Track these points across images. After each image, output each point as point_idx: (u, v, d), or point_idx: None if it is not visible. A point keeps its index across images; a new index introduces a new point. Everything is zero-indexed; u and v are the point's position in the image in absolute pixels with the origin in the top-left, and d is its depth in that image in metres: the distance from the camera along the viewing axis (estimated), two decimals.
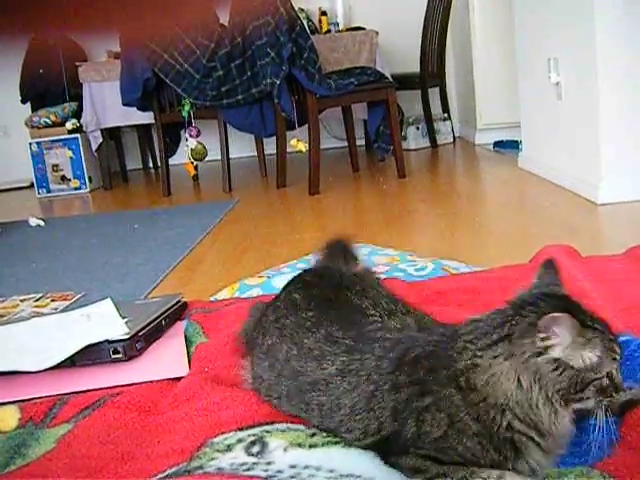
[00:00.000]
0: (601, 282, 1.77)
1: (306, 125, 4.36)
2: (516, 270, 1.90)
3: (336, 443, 1.09)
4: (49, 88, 5.78)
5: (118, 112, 5.13)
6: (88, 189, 5.55)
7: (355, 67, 4.68)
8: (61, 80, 5.60)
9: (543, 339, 0.95)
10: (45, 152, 5.53)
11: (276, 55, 4.17)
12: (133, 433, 1.29)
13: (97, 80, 5.18)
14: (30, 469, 1.20)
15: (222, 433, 1.16)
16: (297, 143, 4.28)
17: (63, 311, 2.04)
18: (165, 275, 2.70)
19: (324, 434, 1.12)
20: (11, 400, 1.46)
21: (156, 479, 1.08)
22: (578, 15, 3.30)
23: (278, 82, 4.20)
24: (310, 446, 1.09)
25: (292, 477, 1.01)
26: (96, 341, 1.58)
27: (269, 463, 1.06)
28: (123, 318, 1.73)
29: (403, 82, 5.32)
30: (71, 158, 5.52)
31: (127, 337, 1.60)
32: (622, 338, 1.33)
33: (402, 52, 6.07)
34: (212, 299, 2.09)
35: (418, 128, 5.95)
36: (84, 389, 1.49)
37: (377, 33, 5.03)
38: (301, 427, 1.15)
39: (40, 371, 1.53)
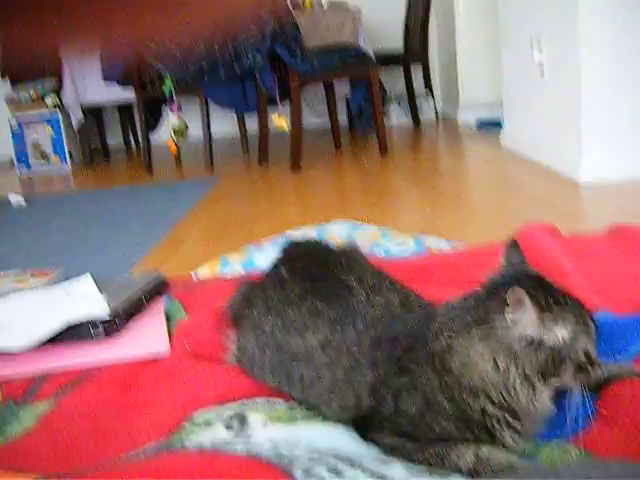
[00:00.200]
0: (582, 260, 1.78)
1: (288, 102, 4.34)
2: (497, 247, 1.90)
3: (316, 418, 1.10)
4: (26, 62, 5.72)
5: (99, 88, 5.09)
6: (69, 166, 5.52)
7: (337, 44, 4.67)
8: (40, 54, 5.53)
9: (511, 313, 0.94)
10: (25, 129, 5.49)
11: (258, 31, 4.15)
12: (113, 409, 1.29)
13: (73, 54, 5.12)
14: (10, 446, 1.19)
15: (202, 408, 1.16)
16: (279, 120, 4.26)
17: (43, 287, 2.02)
18: (147, 252, 2.69)
19: (304, 409, 1.13)
20: None
21: (135, 455, 1.08)
22: None
23: (260, 58, 4.18)
24: (290, 421, 1.10)
25: (272, 452, 1.02)
26: (77, 320, 1.57)
27: (249, 438, 1.06)
28: (104, 295, 1.72)
29: (386, 59, 5.31)
30: (51, 135, 5.48)
31: (107, 314, 1.59)
32: (601, 316, 1.34)
33: (385, 29, 6.05)
34: (193, 274, 2.08)
35: (400, 105, 5.95)
36: (64, 366, 1.48)
37: (360, 10, 5.01)
38: (281, 402, 1.16)
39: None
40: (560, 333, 0.96)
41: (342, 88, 5.06)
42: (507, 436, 0.98)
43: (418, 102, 5.97)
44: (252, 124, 5.06)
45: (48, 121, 5.45)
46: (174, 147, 4.72)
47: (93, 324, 1.58)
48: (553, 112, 3.57)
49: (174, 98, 4.52)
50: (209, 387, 1.23)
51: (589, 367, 0.97)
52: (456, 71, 5.69)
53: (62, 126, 5.44)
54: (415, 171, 4.29)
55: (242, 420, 1.11)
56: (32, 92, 5.46)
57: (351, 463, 0.96)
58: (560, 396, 1.06)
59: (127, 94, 4.95)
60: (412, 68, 5.84)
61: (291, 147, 4.31)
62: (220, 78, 4.36)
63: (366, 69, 4.46)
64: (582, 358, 0.96)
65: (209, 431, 1.10)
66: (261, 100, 4.43)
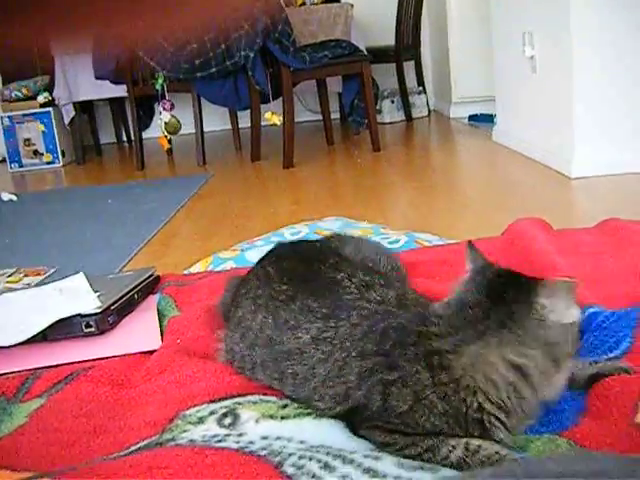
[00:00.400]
0: (573, 255, 1.79)
1: (280, 98, 4.34)
2: (488, 243, 1.90)
3: (307, 415, 1.10)
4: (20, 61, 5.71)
5: (91, 85, 5.07)
6: (61, 163, 5.50)
7: (330, 40, 4.66)
8: (32, 53, 5.52)
9: (546, 305, 0.97)
10: (17, 126, 5.47)
11: (250, 28, 4.14)
12: (105, 406, 1.29)
13: (69, 53, 5.12)
14: (2, 443, 1.19)
15: (194, 405, 1.17)
16: (271, 116, 4.26)
17: (36, 286, 2.02)
18: (139, 249, 2.69)
19: (296, 406, 1.13)
20: None
21: (128, 452, 1.08)
22: None
23: (252, 55, 4.18)
24: (282, 418, 1.10)
25: (263, 448, 1.02)
26: (68, 315, 1.57)
27: (241, 435, 1.07)
28: (95, 292, 1.72)
29: (378, 55, 5.30)
30: (43, 132, 5.46)
31: (99, 311, 1.59)
32: (592, 310, 1.35)
33: (377, 25, 6.04)
34: (186, 272, 2.08)
35: (393, 101, 5.95)
36: (57, 363, 1.48)
37: (352, 6, 5.01)
38: (273, 399, 1.16)
39: (12, 346, 1.52)
40: (576, 311, 0.99)
41: (334, 84, 5.05)
42: (498, 432, 0.99)
43: (411, 98, 5.96)
44: (245, 120, 5.05)
45: (40, 118, 5.43)
46: (166, 143, 4.71)
47: (86, 322, 1.58)
48: (545, 108, 3.58)
49: (166, 95, 4.51)
50: (201, 384, 1.24)
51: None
52: (448, 67, 5.69)
53: (54, 123, 5.43)
54: (408, 167, 4.29)
55: (234, 417, 1.11)
56: (24, 89, 5.44)
57: (343, 459, 0.96)
58: None
59: (119, 90, 4.93)
60: (404, 64, 5.84)
61: (283, 143, 4.31)
62: (212, 75, 4.36)
63: (358, 65, 4.46)
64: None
65: (201, 428, 1.10)
66: (254, 97, 4.42)
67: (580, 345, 1.13)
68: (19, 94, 5.43)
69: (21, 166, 5.53)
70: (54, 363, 1.48)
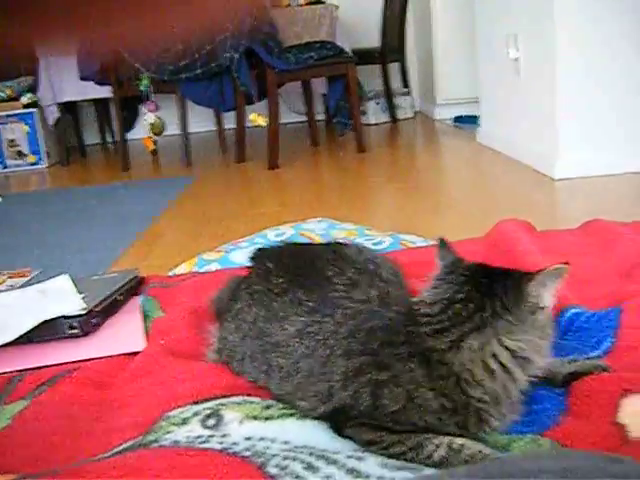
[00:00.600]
0: (556, 256, 1.79)
1: (266, 99, 4.34)
2: (471, 244, 1.91)
3: (291, 415, 1.10)
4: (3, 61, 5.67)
5: (75, 86, 5.05)
6: (45, 164, 5.48)
7: (315, 41, 4.67)
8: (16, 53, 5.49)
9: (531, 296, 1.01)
10: (1, 127, 5.45)
11: (235, 29, 4.14)
12: (89, 408, 1.28)
13: (54, 55, 5.10)
14: None
15: (178, 407, 1.16)
16: (256, 117, 4.26)
17: (20, 288, 2.02)
18: (123, 251, 2.69)
19: (280, 406, 1.13)
20: None
21: (112, 453, 1.08)
22: None
23: (237, 56, 4.17)
24: (265, 418, 1.10)
25: (247, 449, 1.02)
26: (52, 317, 1.57)
27: (224, 435, 1.07)
28: (80, 293, 1.72)
29: (363, 57, 5.31)
30: (27, 133, 5.43)
31: (83, 312, 1.59)
32: (574, 310, 1.36)
33: (362, 27, 6.05)
34: (170, 274, 2.08)
35: (378, 103, 5.96)
36: (40, 365, 1.48)
37: (337, 7, 5.02)
38: (257, 400, 1.16)
39: None
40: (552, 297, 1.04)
41: (319, 86, 5.06)
42: (491, 420, 1.01)
43: (395, 100, 5.98)
44: (230, 121, 5.05)
45: (24, 119, 5.41)
46: (151, 145, 4.70)
47: (70, 323, 1.57)
48: (529, 109, 3.60)
49: (151, 96, 4.50)
50: (185, 385, 1.24)
51: None
52: (433, 69, 5.71)
53: (38, 124, 5.40)
54: (393, 168, 4.30)
55: (218, 418, 1.11)
56: (8, 90, 5.41)
57: (326, 459, 0.97)
58: (533, 389, 1.08)
59: (104, 91, 4.92)
60: (389, 66, 5.85)
61: (268, 145, 4.31)
62: (197, 76, 4.35)
63: (344, 67, 4.47)
64: None
65: (185, 429, 1.10)
66: (238, 98, 4.42)
67: (561, 344, 1.16)
68: (2, 95, 5.40)
69: (5, 167, 5.50)
70: (38, 365, 1.48)
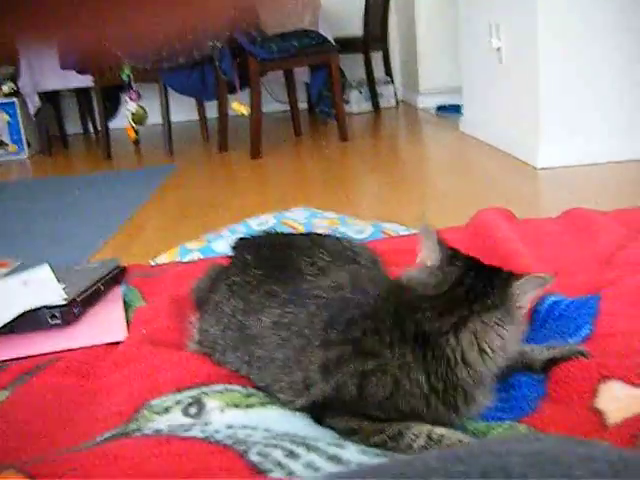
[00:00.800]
0: (536, 244, 1.81)
1: (248, 88, 4.33)
2: (453, 232, 1.92)
3: (272, 403, 1.11)
4: None
5: (56, 75, 5.02)
6: (27, 154, 5.45)
7: (298, 30, 4.66)
8: None
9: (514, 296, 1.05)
10: None
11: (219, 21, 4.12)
12: (71, 398, 1.29)
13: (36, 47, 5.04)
14: None
15: (160, 395, 1.17)
16: (239, 106, 4.25)
17: (0, 279, 2.01)
18: (106, 240, 2.68)
19: (261, 395, 1.13)
20: None
21: (94, 442, 1.08)
22: None
23: (220, 45, 4.16)
24: (247, 406, 1.10)
25: (229, 437, 1.02)
26: (34, 307, 1.56)
27: (206, 424, 1.07)
28: (61, 284, 1.71)
29: (346, 45, 5.31)
30: (8, 122, 5.40)
31: (65, 302, 1.59)
32: (553, 298, 1.37)
33: (345, 15, 6.04)
34: (152, 263, 2.08)
35: (361, 92, 5.96)
36: (22, 355, 1.48)
37: None
38: (238, 388, 1.16)
39: None
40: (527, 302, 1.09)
41: (302, 74, 5.05)
42: (481, 397, 1.04)
43: (378, 88, 5.98)
44: (212, 110, 5.03)
45: (5, 109, 5.37)
46: (133, 134, 4.69)
47: (51, 313, 1.57)
48: (511, 98, 3.61)
49: (133, 85, 4.48)
50: (167, 374, 1.24)
51: None
52: (416, 58, 5.71)
53: (19, 113, 5.37)
54: (375, 157, 4.31)
55: (200, 406, 1.12)
56: None
57: (307, 447, 0.97)
58: (511, 376, 1.10)
59: (85, 81, 4.89)
60: (372, 55, 5.85)
61: (251, 134, 4.30)
62: (179, 65, 4.34)
63: (326, 55, 4.46)
64: None
65: (167, 417, 1.11)
66: (221, 87, 4.41)
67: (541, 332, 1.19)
68: None
69: None
70: (20, 355, 1.48)
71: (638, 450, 0.89)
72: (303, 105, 5.68)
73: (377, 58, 6.00)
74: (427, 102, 5.70)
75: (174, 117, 4.93)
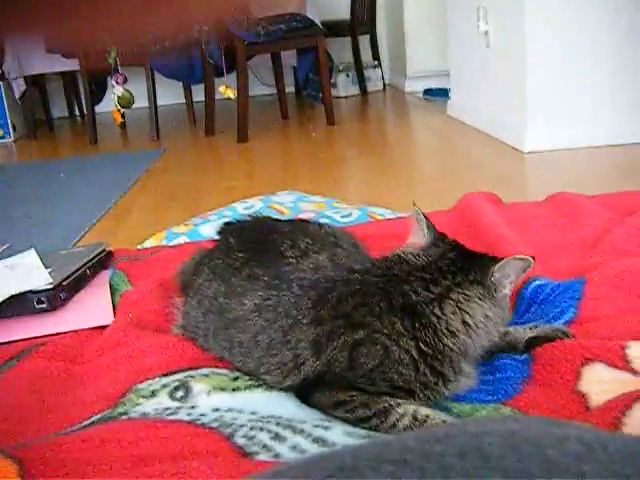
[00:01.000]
0: (521, 228, 1.82)
1: (235, 72, 4.32)
2: (439, 216, 1.93)
3: (258, 386, 1.11)
4: None
5: (42, 59, 4.99)
6: (12, 138, 5.41)
7: (285, 13, 4.63)
8: None
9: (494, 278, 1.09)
10: None
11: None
12: (58, 382, 1.29)
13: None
14: None
15: (147, 379, 1.17)
16: (226, 90, 4.23)
17: None
18: (92, 225, 2.67)
19: (247, 378, 1.14)
20: None
21: (81, 426, 1.09)
22: None
23: (206, 28, 4.14)
24: (233, 390, 1.11)
25: (215, 420, 1.03)
26: (19, 292, 1.56)
27: (193, 407, 1.08)
28: (47, 268, 1.71)
29: (333, 29, 5.30)
30: None
31: (51, 287, 1.58)
32: (538, 282, 1.38)
33: None
34: (139, 247, 2.08)
35: (348, 75, 5.95)
36: (9, 340, 1.48)
37: None
38: (224, 371, 1.17)
39: None
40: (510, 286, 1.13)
41: (289, 58, 5.03)
42: (465, 365, 1.08)
43: (366, 72, 5.97)
44: (199, 94, 5.01)
45: None
46: (119, 117, 4.66)
47: (37, 298, 1.57)
48: (498, 82, 3.61)
49: (119, 68, 4.45)
50: (154, 358, 1.24)
51: None
52: (404, 41, 5.70)
53: (4, 97, 5.33)
54: (362, 141, 4.31)
55: (186, 390, 1.12)
56: None
57: (293, 429, 0.98)
58: (495, 358, 1.11)
59: (71, 65, 4.86)
60: (360, 38, 5.83)
61: (238, 118, 4.29)
62: (166, 49, 4.31)
63: (313, 39, 4.45)
64: None
65: (154, 401, 1.11)
66: (207, 70, 4.40)
67: (526, 316, 1.21)
68: None
69: None
70: (6, 340, 1.48)
71: (619, 432, 0.90)
72: (290, 89, 5.66)
73: (364, 42, 5.98)
74: (414, 86, 5.69)
75: (160, 101, 4.90)
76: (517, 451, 0.42)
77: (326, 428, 0.98)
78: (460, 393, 1.08)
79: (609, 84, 3.20)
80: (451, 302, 1.06)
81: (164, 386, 1.15)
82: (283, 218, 1.87)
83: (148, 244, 2.09)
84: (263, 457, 0.94)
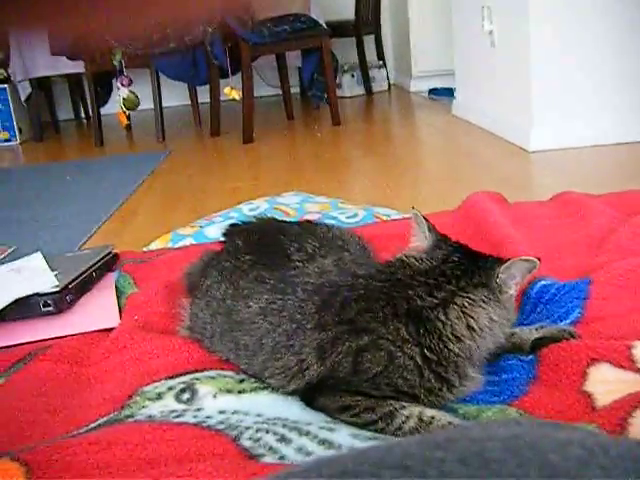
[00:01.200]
0: (526, 228, 1.82)
1: (240, 73, 4.32)
2: (444, 216, 1.93)
3: (264, 389, 1.12)
4: None
5: (47, 61, 4.99)
6: (18, 141, 5.42)
7: (289, 14, 4.63)
8: None
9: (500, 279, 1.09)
10: None
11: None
12: (65, 385, 1.29)
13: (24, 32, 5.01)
14: None
15: (153, 382, 1.17)
16: (231, 91, 4.24)
17: None
18: (98, 227, 2.68)
19: (252, 380, 1.14)
20: None
21: (87, 429, 1.09)
22: None
23: (210, 30, 4.14)
24: (239, 392, 1.11)
25: (221, 422, 1.03)
26: (26, 295, 1.56)
27: (199, 409, 1.08)
28: (53, 271, 1.72)
29: (338, 29, 5.29)
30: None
31: (57, 290, 1.59)
32: (544, 282, 1.37)
33: None
34: (145, 250, 2.08)
35: (353, 76, 5.95)
36: (15, 343, 1.48)
37: None
38: (230, 374, 1.17)
39: None
40: (515, 287, 1.13)
41: (294, 58, 5.03)
42: (469, 369, 1.07)
43: (371, 72, 5.96)
44: (204, 95, 5.02)
45: None
46: (125, 119, 4.67)
47: (44, 301, 1.57)
48: (503, 81, 3.61)
49: (124, 71, 4.46)
50: (160, 360, 1.24)
51: None
52: (409, 41, 5.69)
53: (10, 100, 5.34)
54: (368, 141, 4.31)
55: (192, 392, 1.13)
56: None
57: (298, 431, 0.98)
58: (501, 360, 1.11)
59: (76, 67, 4.87)
60: (364, 38, 5.83)
61: (243, 119, 4.29)
62: (171, 50, 4.32)
63: (318, 39, 4.44)
64: None
65: (160, 404, 1.11)
66: (212, 72, 4.40)
67: (532, 316, 1.21)
68: None
69: None
70: (12, 343, 1.48)
71: (623, 435, 0.90)
72: (295, 89, 5.66)
73: (369, 42, 5.98)
74: (419, 86, 5.69)
75: (166, 102, 4.91)
76: (518, 456, 0.42)
77: (332, 430, 0.98)
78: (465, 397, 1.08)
79: (613, 83, 3.19)
80: (456, 307, 1.05)
81: (170, 388, 1.15)
82: (289, 219, 1.88)
83: (154, 246, 2.09)
84: (269, 459, 0.95)
